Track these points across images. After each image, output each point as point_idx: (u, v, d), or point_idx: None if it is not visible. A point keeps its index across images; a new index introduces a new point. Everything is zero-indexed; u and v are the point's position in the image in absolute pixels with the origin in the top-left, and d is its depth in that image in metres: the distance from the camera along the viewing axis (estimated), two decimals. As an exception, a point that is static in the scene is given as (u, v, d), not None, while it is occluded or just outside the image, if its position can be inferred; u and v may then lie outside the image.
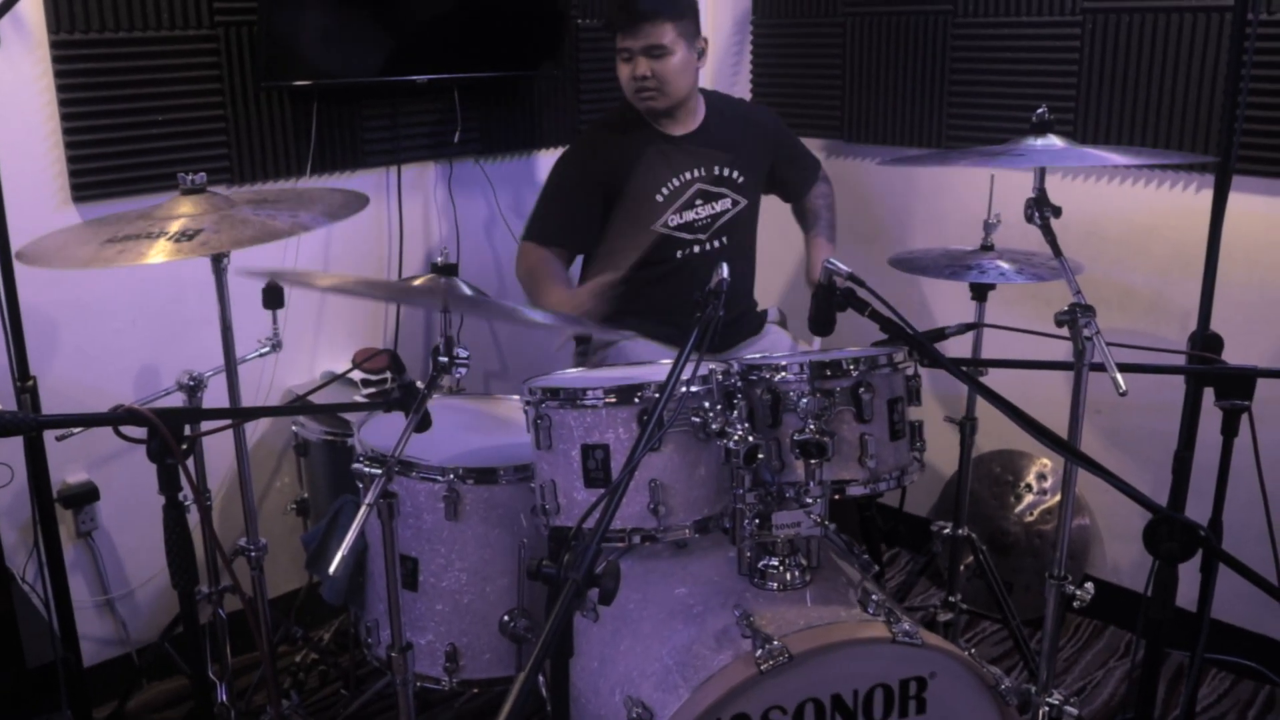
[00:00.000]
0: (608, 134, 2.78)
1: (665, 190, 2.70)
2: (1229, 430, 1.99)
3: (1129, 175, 2.81)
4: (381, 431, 2.19)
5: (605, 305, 2.50)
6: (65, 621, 2.26)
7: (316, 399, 2.60)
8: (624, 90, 2.69)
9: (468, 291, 2.08)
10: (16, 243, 2.04)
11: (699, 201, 2.73)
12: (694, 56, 2.67)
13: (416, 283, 2.16)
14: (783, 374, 1.84)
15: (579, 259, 2.82)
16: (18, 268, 2.05)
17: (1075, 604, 1.99)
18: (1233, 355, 2.07)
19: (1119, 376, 1.73)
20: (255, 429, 2.82)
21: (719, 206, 2.75)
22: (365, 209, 2.04)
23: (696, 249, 2.72)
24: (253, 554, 2.27)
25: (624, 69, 2.65)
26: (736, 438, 1.71)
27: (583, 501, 1.80)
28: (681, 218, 2.71)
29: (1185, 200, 2.72)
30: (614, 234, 2.71)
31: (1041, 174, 2.06)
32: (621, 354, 2.69)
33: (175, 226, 1.88)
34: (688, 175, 2.72)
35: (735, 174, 2.77)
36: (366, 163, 2.91)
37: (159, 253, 1.81)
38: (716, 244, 2.73)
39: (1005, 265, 2.37)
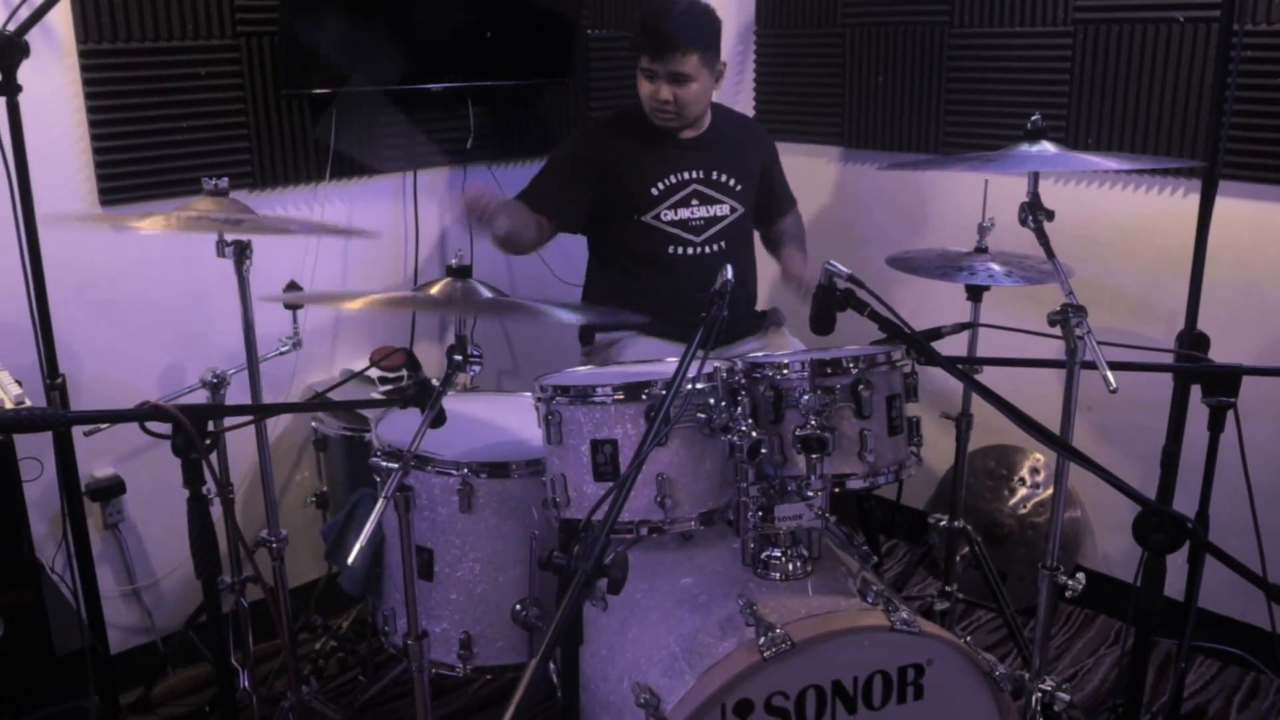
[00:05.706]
0: (617, 126, 2.79)
1: (661, 185, 2.72)
2: (1215, 426, 2.02)
3: (1119, 179, 2.84)
4: (398, 427, 2.21)
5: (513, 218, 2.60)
6: (93, 610, 2.29)
7: (335, 396, 2.62)
8: (642, 103, 2.70)
9: (487, 294, 2.14)
10: (47, 245, 2.08)
11: (695, 202, 2.74)
12: (713, 81, 2.68)
13: (434, 289, 2.21)
14: (785, 372, 1.85)
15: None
16: (48, 272, 2.09)
17: (1067, 594, 2.00)
18: (1219, 354, 2.11)
19: (1109, 374, 1.74)
20: (276, 425, 2.85)
21: (716, 211, 2.77)
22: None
23: (693, 250, 2.74)
24: (274, 545, 2.32)
25: (645, 86, 2.66)
26: (740, 433, 1.73)
27: (592, 494, 1.82)
28: (676, 214, 2.73)
29: (1173, 204, 2.75)
30: (608, 221, 2.74)
31: (1035, 178, 2.07)
32: (626, 352, 2.71)
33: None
34: (686, 174, 2.74)
35: (733, 181, 2.79)
36: (383, 168, 2.94)
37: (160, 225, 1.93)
38: (714, 248, 2.76)
39: (996, 268, 2.38)
